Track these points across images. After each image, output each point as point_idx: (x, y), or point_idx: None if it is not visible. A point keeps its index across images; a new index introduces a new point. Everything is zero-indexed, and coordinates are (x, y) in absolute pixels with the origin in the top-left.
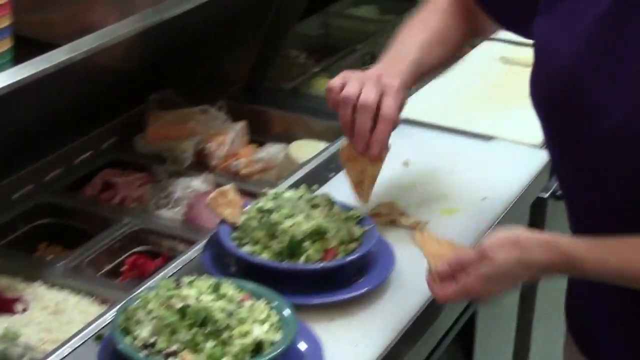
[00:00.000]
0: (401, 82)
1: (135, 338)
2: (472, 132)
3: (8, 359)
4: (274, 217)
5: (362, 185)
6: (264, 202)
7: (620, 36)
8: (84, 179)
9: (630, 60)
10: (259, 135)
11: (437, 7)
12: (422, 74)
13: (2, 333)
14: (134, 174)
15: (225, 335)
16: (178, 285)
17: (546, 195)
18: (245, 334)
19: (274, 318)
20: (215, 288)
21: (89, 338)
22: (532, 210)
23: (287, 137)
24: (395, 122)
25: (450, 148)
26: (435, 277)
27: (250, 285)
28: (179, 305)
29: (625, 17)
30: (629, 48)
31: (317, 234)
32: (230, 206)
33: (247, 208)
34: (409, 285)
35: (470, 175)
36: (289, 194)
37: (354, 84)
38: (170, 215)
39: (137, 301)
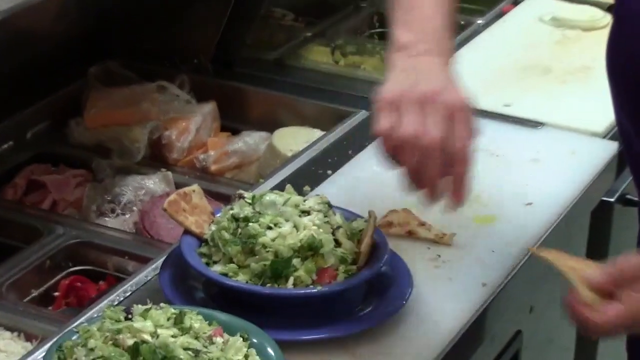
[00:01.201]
0: (464, 91)
1: None
2: (514, 117)
3: None
4: (253, 227)
5: None
6: (239, 208)
7: None
8: (4, 177)
9: None
10: (233, 121)
11: None
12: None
13: None
14: (68, 170)
15: None
16: (128, 316)
17: (612, 199)
18: None
19: (254, 359)
20: (178, 320)
21: None
22: (594, 218)
23: (270, 123)
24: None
25: (485, 137)
26: (584, 294)
27: (223, 316)
28: (130, 341)
29: None
30: None
31: (309, 250)
32: (195, 213)
33: (217, 216)
34: (432, 316)
35: (512, 173)
36: (272, 197)
37: (412, 117)
38: (117, 224)
39: (75, 337)
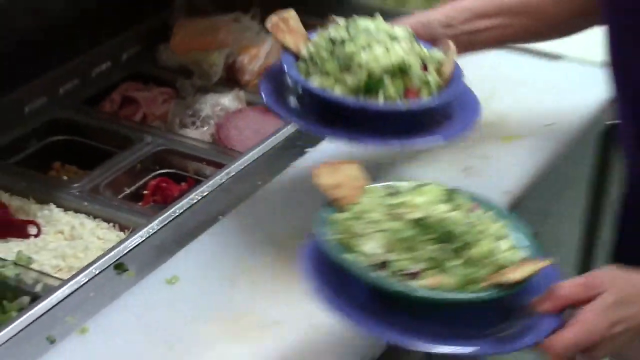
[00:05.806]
0: None
1: (359, 255)
2: (536, 50)
3: (22, 286)
4: (349, 47)
5: None
6: (336, 31)
7: None
8: (102, 93)
9: None
10: None
11: None
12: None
13: (14, 258)
14: (156, 88)
15: (470, 253)
16: (392, 193)
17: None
18: (489, 253)
19: (509, 234)
20: (449, 196)
21: (108, 266)
22: (604, 138)
23: None
24: None
25: (510, 68)
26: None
27: (482, 197)
28: (415, 216)
29: None
30: None
31: (399, 70)
32: (292, 34)
33: (313, 38)
34: None
35: (534, 98)
36: (365, 22)
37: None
38: (197, 135)
39: (345, 213)
